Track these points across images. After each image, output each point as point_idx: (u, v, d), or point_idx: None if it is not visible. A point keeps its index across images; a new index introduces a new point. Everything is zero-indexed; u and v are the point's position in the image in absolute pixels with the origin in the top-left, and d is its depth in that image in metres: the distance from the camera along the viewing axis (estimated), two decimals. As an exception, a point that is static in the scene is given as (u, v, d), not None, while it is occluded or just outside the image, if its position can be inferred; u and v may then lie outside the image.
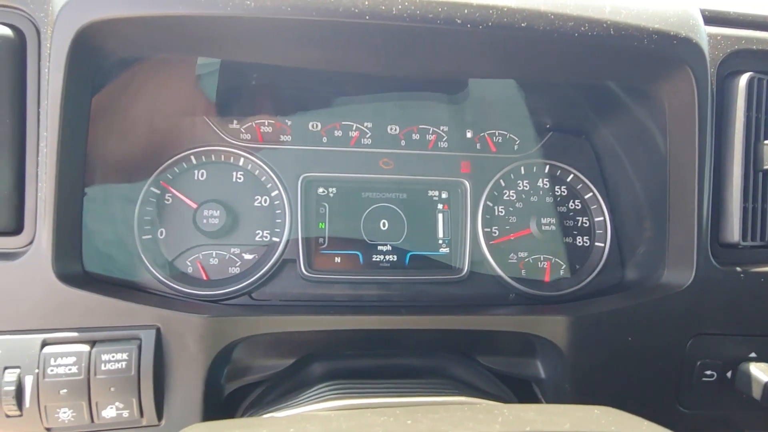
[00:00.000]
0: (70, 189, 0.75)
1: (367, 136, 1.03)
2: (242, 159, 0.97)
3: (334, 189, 0.98)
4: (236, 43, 0.76)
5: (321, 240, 0.97)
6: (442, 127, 1.05)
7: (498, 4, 0.71)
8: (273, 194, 0.96)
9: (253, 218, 0.95)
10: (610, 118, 1.01)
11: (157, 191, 0.94)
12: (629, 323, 0.86)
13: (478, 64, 0.86)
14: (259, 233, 0.95)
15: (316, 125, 1.02)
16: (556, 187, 1.06)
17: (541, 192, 1.05)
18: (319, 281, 0.95)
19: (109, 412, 0.72)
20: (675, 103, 0.84)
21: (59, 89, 0.70)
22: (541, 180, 1.05)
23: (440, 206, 1.01)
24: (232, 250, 0.94)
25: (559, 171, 1.06)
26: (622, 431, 0.54)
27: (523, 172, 1.05)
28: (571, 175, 1.06)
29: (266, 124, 1.00)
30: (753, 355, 0.87)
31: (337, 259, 0.97)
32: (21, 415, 0.70)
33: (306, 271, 0.94)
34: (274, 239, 0.95)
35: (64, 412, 0.71)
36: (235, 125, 0.99)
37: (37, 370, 0.70)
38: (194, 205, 0.93)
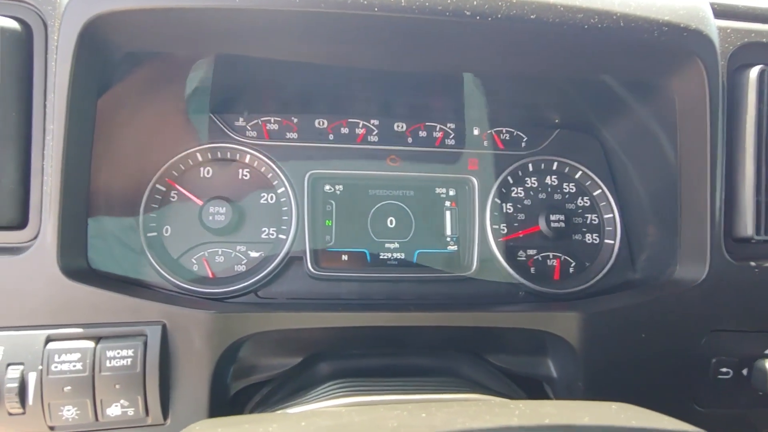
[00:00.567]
0: (76, 183, 0.74)
1: (374, 133, 1.02)
2: (248, 156, 0.96)
3: (340, 186, 0.98)
4: (244, 37, 0.76)
5: (328, 237, 0.96)
6: (449, 125, 1.05)
7: (507, -5, 0.71)
8: (279, 191, 0.96)
9: (259, 215, 0.95)
10: (619, 114, 1.00)
11: (163, 188, 0.93)
12: (643, 320, 0.84)
13: (485, 58, 0.85)
14: (265, 231, 0.94)
15: (323, 122, 1.01)
16: (565, 184, 1.05)
17: (549, 189, 1.04)
18: (326, 279, 0.93)
19: (113, 410, 0.71)
20: (685, 96, 0.84)
21: (66, 82, 0.69)
22: (549, 177, 1.05)
23: (448, 203, 1.00)
24: (238, 247, 0.93)
25: (567, 168, 1.05)
26: (641, 425, 0.53)
27: (531, 169, 1.04)
28: (580, 172, 1.05)
29: (272, 121, 0.99)
30: (769, 351, 0.86)
31: (344, 257, 0.96)
32: (24, 413, 0.68)
33: (313, 268, 0.92)
34: (281, 237, 0.94)
35: (68, 410, 0.69)
36: (241, 122, 0.98)
37: (40, 367, 0.69)
38: (200, 203, 0.92)
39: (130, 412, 0.71)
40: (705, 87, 0.80)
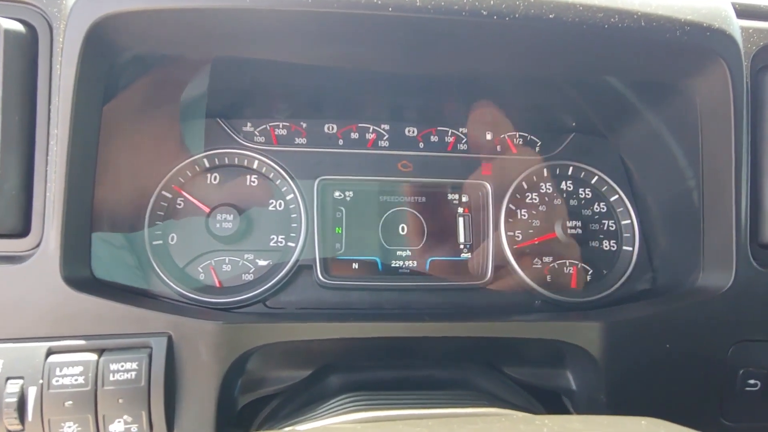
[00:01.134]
0: (80, 190, 0.72)
1: (385, 138, 1.00)
2: (256, 162, 0.94)
3: (351, 192, 0.95)
4: (254, 38, 0.74)
5: (338, 245, 0.93)
6: (461, 129, 1.02)
7: (526, -7, 0.68)
8: (288, 198, 0.93)
9: (268, 223, 0.92)
10: (635, 117, 0.97)
11: (169, 195, 0.90)
12: (666, 329, 0.81)
13: (501, 60, 0.83)
14: (273, 238, 0.92)
15: (332, 127, 0.99)
16: (581, 189, 1.02)
17: (564, 195, 1.01)
18: (337, 288, 0.91)
19: (116, 427, 0.68)
20: (708, 98, 0.81)
21: (71, 85, 0.67)
22: (564, 182, 1.02)
23: (461, 210, 0.98)
24: (246, 255, 0.91)
25: (583, 173, 1.02)
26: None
27: (545, 174, 1.01)
28: (596, 177, 1.02)
29: (281, 126, 0.97)
30: (799, 363, 0.82)
31: (355, 265, 0.93)
32: (23, 430, 0.65)
33: (323, 277, 0.90)
34: (290, 244, 0.91)
35: (69, 427, 0.66)
36: (249, 128, 0.96)
37: (41, 381, 0.66)
38: (207, 210, 0.90)
39: (134, 428, 0.68)
40: (729, 88, 0.78)
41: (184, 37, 0.74)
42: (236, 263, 0.90)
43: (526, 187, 1.00)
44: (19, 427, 0.65)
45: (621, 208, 1.01)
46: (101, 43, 0.69)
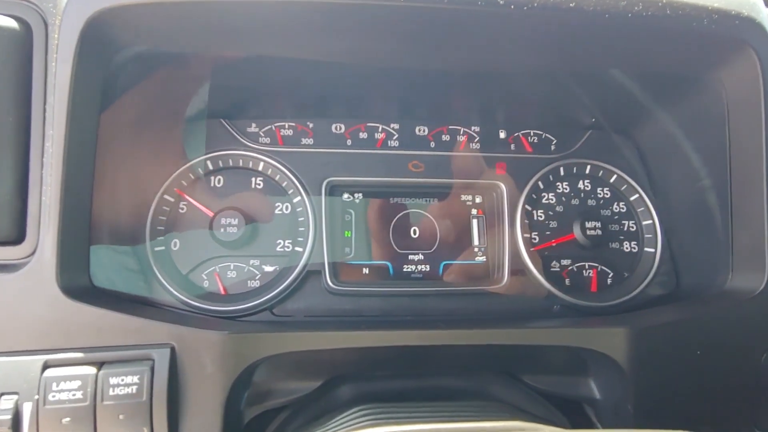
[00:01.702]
0: (78, 194, 0.69)
1: (394, 137, 0.97)
2: (262, 164, 0.90)
3: (360, 194, 0.92)
4: (258, 32, 0.70)
5: (347, 249, 0.89)
6: (473, 128, 0.99)
7: (545, -19, 0.65)
8: (295, 201, 0.90)
9: (274, 227, 0.89)
10: (655, 112, 0.93)
11: (171, 199, 0.87)
12: (696, 335, 0.77)
13: (517, 53, 0.79)
14: (280, 243, 0.88)
15: (340, 127, 0.95)
16: (599, 188, 0.98)
17: (582, 194, 0.97)
18: (346, 294, 0.87)
19: (117, 444, 0.64)
20: (736, 89, 0.77)
21: (67, 83, 0.64)
22: (581, 181, 0.98)
23: (474, 211, 0.94)
24: (252, 261, 0.87)
25: (601, 171, 0.98)
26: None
27: (562, 173, 0.97)
28: (615, 176, 0.98)
29: (286, 126, 0.94)
30: (837, 369, 0.78)
31: (365, 270, 0.89)
32: (18, 449, 0.62)
33: (332, 283, 0.86)
34: (297, 249, 0.88)
35: (67, 445, 0.63)
36: (253, 128, 0.93)
37: (37, 396, 0.62)
38: (211, 214, 0.86)
39: (135, 445, 0.64)
40: (759, 78, 0.74)
41: (184, 33, 0.71)
42: (242, 269, 0.87)
43: (542, 186, 0.96)
44: (14, 445, 0.61)
45: (641, 208, 0.97)
46: (98, 39, 0.66)
